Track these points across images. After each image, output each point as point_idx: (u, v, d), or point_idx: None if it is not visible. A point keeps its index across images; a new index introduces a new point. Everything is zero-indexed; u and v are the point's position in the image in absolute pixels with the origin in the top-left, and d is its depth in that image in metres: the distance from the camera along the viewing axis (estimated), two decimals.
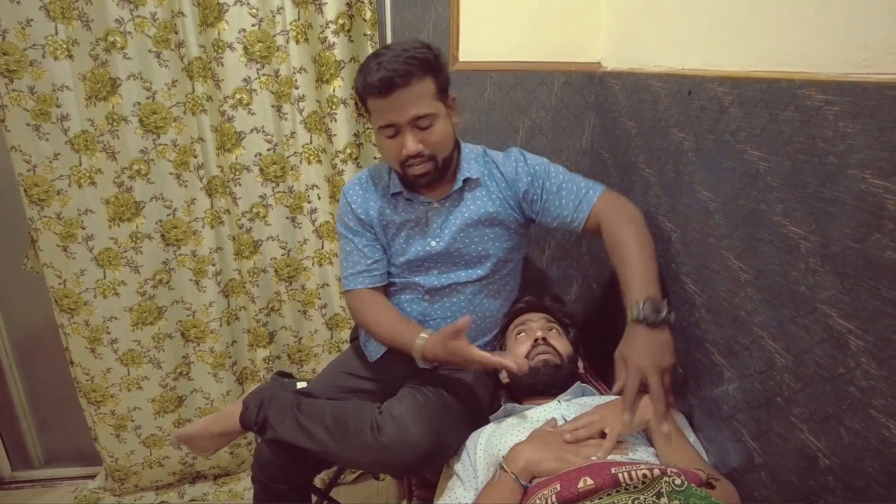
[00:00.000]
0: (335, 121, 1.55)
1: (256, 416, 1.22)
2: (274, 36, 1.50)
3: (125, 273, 1.64)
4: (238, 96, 1.55)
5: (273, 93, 1.55)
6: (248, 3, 1.46)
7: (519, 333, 1.29)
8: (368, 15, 1.48)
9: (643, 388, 0.98)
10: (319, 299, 1.76)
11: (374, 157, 1.63)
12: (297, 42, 1.48)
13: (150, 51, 1.48)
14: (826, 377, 0.76)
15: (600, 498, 0.80)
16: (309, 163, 1.61)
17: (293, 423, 1.16)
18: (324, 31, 1.47)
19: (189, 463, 1.89)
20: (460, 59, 1.51)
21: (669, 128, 1.15)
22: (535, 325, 1.29)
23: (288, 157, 1.62)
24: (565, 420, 1.06)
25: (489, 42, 1.51)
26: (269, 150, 1.61)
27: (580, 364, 1.30)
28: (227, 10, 1.46)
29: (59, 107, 1.46)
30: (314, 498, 1.48)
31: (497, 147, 1.33)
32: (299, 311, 1.80)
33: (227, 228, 1.67)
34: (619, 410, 1.00)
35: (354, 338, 1.50)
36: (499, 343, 1.36)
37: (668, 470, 0.81)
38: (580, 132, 1.61)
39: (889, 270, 0.65)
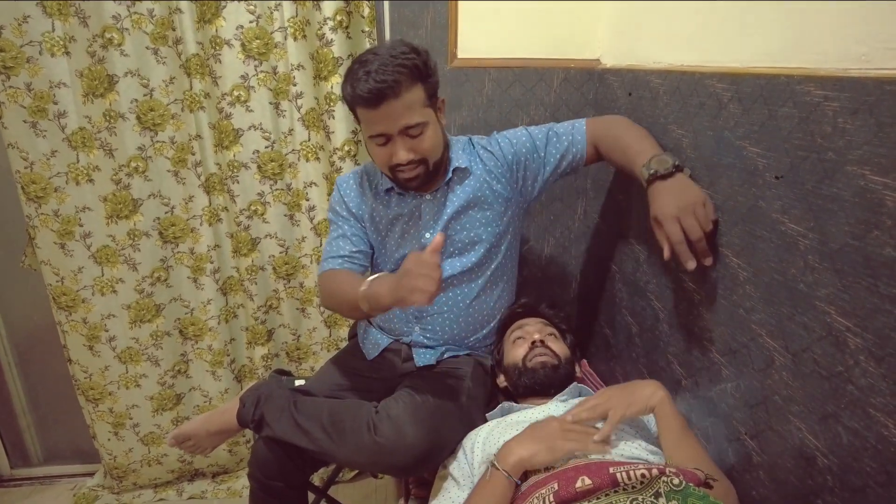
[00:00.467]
0: (333, 118, 1.54)
1: (253, 414, 1.21)
2: (272, 32, 1.50)
3: (123, 270, 1.64)
4: (236, 93, 1.54)
5: (271, 90, 1.55)
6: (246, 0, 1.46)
7: (517, 339, 1.29)
8: (367, 11, 1.47)
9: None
10: (318, 297, 1.76)
11: None
12: (295, 39, 1.47)
13: (147, 47, 1.47)
14: (824, 375, 0.75)
15: (598, 498, 0.80)
16: (307, 160, 1.60)
17: (290, 422, 1.15)
18: (322, 27, 1.47)
19: (187, 461, 1.89)
20: (459, 56, 1.50)
21: (668, 125, 1.14)
22: (532, 328, 1.30)
23: (286, 155, 1.62)
24: None
25: (488, 38, 1.50)
26: (267, 147, 1.60)
27: (577, 368, 1.30)
28: (224, 7, 1.46)
29: (56, 104, 1.45)
30: (312, 496, 1.48)
31: None
32: (298, 308, 1.79)
33: (226, 226, 1.67)
34: (626, 394, 1.01)
35: (352, 335, 1.50)
36: (496, 348, 1.36)
37: (667, 470, 0.80)
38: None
39: (888, 268, 0.64)
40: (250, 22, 1.48)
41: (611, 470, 0.82)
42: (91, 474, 1.97)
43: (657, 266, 1.21)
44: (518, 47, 1.51)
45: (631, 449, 0.97)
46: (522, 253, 1.43)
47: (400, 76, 1.04)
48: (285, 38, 1.48)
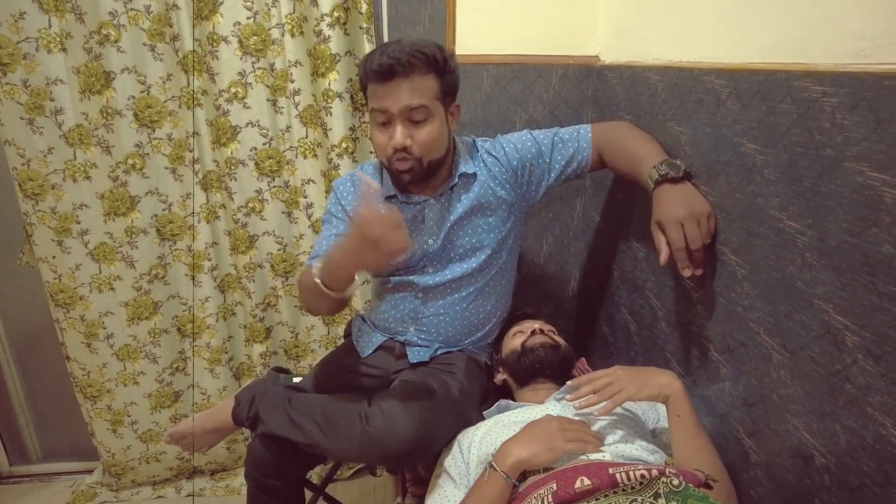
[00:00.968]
0: (331, 115, 1.54)
1: (248, 412, 1.21)
2: (269, 29, 1.49)
3: (121, 268, 1.63)
4: (233, 90, 1.53)
5: (268, 86, 1.54)
6: None
7: (516, 333, 1.30)
8: (364, 8, 1.46)
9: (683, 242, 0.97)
10: None
11: (371, 152, 1.61)
12: (293, 35, 1.46)
13: (144, 44, 1.46)
14: (822, 374, 0.74)
15: (597, 499, 0.79)
16: (305, 157, 1.60)
17: (284, 418, 1.15)
18: (319, 24, 1.46)
19: (186, 458, 1.89)
20: (457, 53, 1.50)
21: (667, 121, 1.13)
22: (530, 322, 1.31)
23: (284, 152, 1.61)
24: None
25: (486, 35, 1.49)
26: (264, 144, 1.60)
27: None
28: (221, 3, 1.45)
29: (52, 100, 1.45)
30: (309, 494, 1.47)
31: None
32: (296, 306, 1.79)
33: (223, 223, 1.66)
34: (638, 377, 0.99)
35: (348, 333, 1.50)
36: (494, 350, 1.36)
37: (667, 470, 0.80)
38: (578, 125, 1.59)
39: (886, 265, 0.64)
40: (247, 18, 1.47)
41: (610, 470, 0.81)
42: (90, 472, 1.97)
43: (656, 264, 1.20)
44: (517, 44, 1.51)
45: (630, 449, 0.96)
46: (521, 251, 1.42)
47: (414, 59, 1.05)
48: (283, 35, 1.47)
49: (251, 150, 1.60)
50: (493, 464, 0.92)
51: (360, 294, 1.75)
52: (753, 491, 0.90)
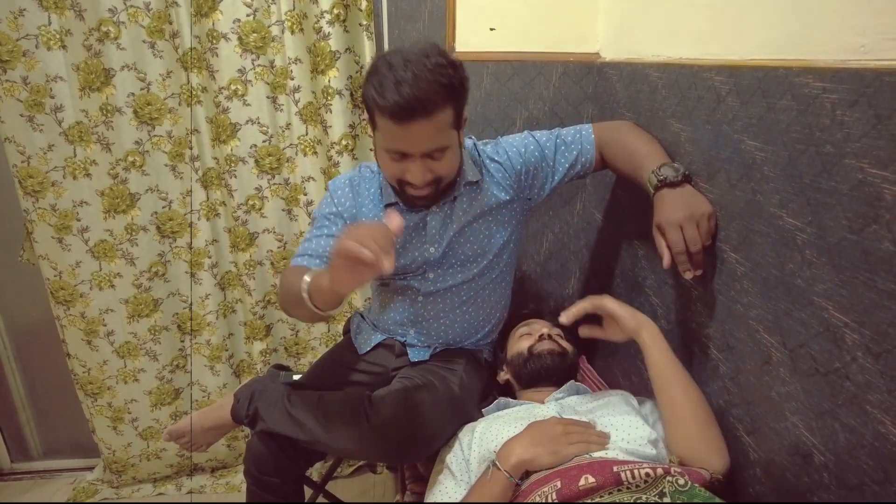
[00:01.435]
0: (330, 112, 1.53)
1: (247, 409, 1.21)
2: (269, 26, 1.49)
3: (121, 265, 1.63)
4: (233, 87, 1.53)
5: (268, 84, 1.54)
6: None
7: (523, 334, 1.30)
8: (364, 5, 1.46)
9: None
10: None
11: (370, 149, 1.61)
12: (293, 32, 1.46)
13: (144, 41, 1.46)
14: (822, 372, 0.74)
15: (601, 496, 0.79)
16: (305, 154, 1.59)
17: (283, 415, 1.15)
18: (319, 21, 1.46)
19: (186, 455, 1.89)
20: (457, 50, 1.49)
21: (667, 118, 1.13)
22: (539, 325, 1.31)
23: (283, 149, 1.61)
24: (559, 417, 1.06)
25: (486, 32, 1.49)
26: (264, 141, 1.59)
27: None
28: (221, 0, 1.45)
29: (52, 97, 1.45)
30: (309, 491, 1.47)
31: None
32: None
33: (223, 221, 1.66)
34: (622, 306, 1.06)
35: (347, 330, 1.50)
36: (499, 347, 1.36)
37: (672, 469, 0.80)
38: (578, 123, 1.59)
39: (886, 262, 0.63)
40: (247, 15, 1.47)
41: (615, 468, 0.81)
42: (90, 468, 1.98)
43: (655, 262, 1.19)
44: (517, 41, 1.50)
45: (633, 447, 0.96)
46: (521, 249, 1.42)
47: (435, 95, 0.94)
48: (282, 32, 1.47)
49: (251, 148, 1.60)
50: (497, 462, 0.92)
51: (360, 292, 1.75)
52: (752, 489, 0.90)
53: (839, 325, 0.71)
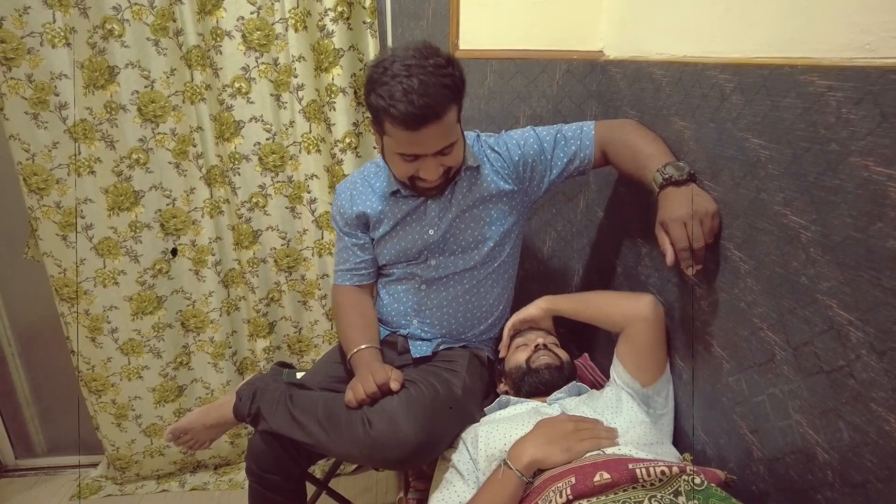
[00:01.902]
0: (334, 110, 1.54)
1: (249, 408, 1.21)
2: (273, 24, 1.49)
3: (125, 262, 1.64)
4: (237, 85, 1.54)
5: (272, 81, 1.54)
6: None
7: (519, 346, 1.30)
8: (368, 2, 1.46)
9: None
10: (319, 289, 1.76)
11: (374, 147, 1.61)
12: (296, 30, 1.46)
13: (147, 39, 1.46)
14: (826, 370, 0.74)
15: (616, 493, 0.79)
16: (308, 152, 1.60)
17: (285, 415, 1.15)
18: (322, 18, 1.46)
19: (190, 452, 1.89)
20: (460, 48, 1.49)
21: (671, 116, 1.13)
22: (534, 335, 1.31)
23: (287, 147, 1.61)
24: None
25: (490, 30, 1.49)
26: (268, 139, 1.60)
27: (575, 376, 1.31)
28: None
29: (57, 95, 1.45)
30: (312, 489, 1.48)
31: None
32: (299, 301, 1.79)
33: (227, 218, 1.67)
34: (519, 314, 1.30)
35: None
36: (497, 360, 1.35)
37: (688, 468, 0.80)
38: (581, 121, 1.59)
39: (891, 260, 0.63)
40: (251, 13, 1.47)
41: (630, 466, 0.81)
42: (94, 465, 1.99)
43: (658, 260, 1.20)
44: (520, 38, 1.50)
45: (643, 443, 0.96)
46: (524, 247, 1.42)
47: (443, 98, 0.99)
48: (286, 30, 1.47)
49: (255, 145, 1.60)
50: (508, 461, 0.92)
51: None
52: (755, 487, 0.90)
53: (844, 322, 0.71)
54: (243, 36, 1.49)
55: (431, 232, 1.24)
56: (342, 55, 1.49)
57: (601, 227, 1.57)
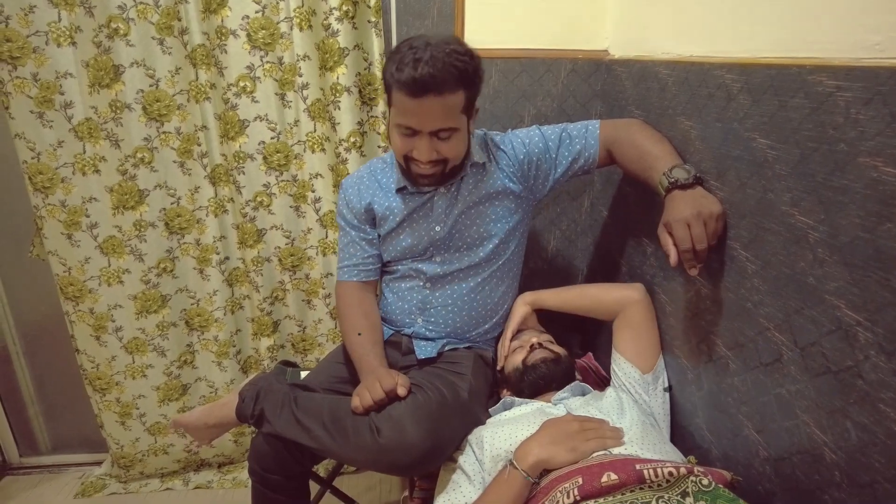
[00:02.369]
0: (339, 109, 1.54)
1: (253, 409, 1.20)
2: (277, 23, 1.49)
3: (129, 261, 1.64)
4: (242, 84, 1.54)
5: (276, 80, 1.54)
6: None
7: (515, 348, 1.30)
8: (373, 1, 1.46)
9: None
10: (323, 289, 1.76)
11: (378, 146, 1.61)
12: (301, 29, 1.46)
13: (153, 38, 1.46)
14: (833, 370, 0.74)
15: (623, 493, 0.79)
16: (313, 151, 1.60)
17: (290, 419, 1.14)
18: (327, 17, 1.46)
19: (193, 451, 1.90)
20: None
21: (676, 116, 1.13)
22: (528, 335, 1.31)
23: (292, 146, 1.61)
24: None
25: (494, 29, 1.49)
26: (272, 138, 1.60)
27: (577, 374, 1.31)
28: None
29: (62, 94, 1.45)
30: (316, 487, 1.48)
31: None
32: (303, 300, 1.79)
33: (231, 217, 1.67)
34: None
35: None
36: (496, 368, 1.36)
37: (695, 469, 0.80)
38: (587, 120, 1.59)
39: None
40: (256, 12, 1.47)
41: (637, 466, 0.81)
42: (99, 463, 1.99)
43: (664, 260, 1.19)
44: (525, 37, 1.50)
45: (648, 442, 0.96)
46: (529, 246, 1.42)
47: (448, 75, 1.02)
48: (291, 29, 1.47)
49: (259, 144, 1.60)
50: (514, 461, 0.92)
51: None
52: (762, 486, 0.90)
53: (852, 323, 0.70)
54: (248, 35, 1.49)
55: (438, 228, 1.24)
56: (347, 54, 1.49)
57: (605, 226, 1.57)
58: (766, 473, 0.89)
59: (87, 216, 1.57)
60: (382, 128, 1.57)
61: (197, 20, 1.45)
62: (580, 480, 0.82)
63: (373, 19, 1.48)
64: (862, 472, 0.70)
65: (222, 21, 1.47)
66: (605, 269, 1.58)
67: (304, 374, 1.42)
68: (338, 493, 1.57)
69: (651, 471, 0.79)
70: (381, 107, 1.56)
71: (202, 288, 1.73)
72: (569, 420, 0.98)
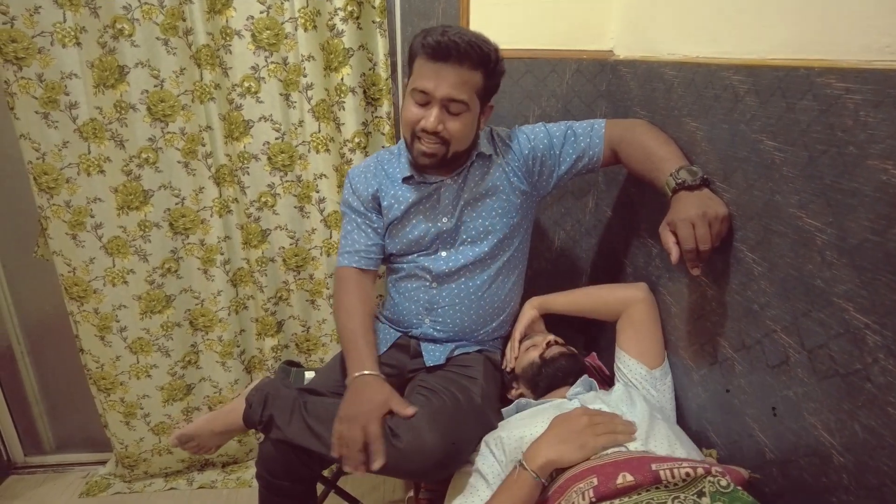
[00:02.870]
0: (343, 109, 1.54)
1: (261, 415, 1.18)
2: (282, 23, 1.49)
3: (134, 261, 1.64)
4: (246, 84, 1.54)
5: (281, 81, 1.54)
6: None
7: (528, 347, 1.30)
8: (377, 2, 1.46)
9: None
10: (327, 289, 1.76)
11: (383, 146, 1.61)
12: (306, 29, 1.46)
13: (157, 38, 1.46)
14: (841, 373, 0.74)
15: (639, 494, 0.78)
16: (317, 152, 1.60)
17: (301, 425, 1.13)
18: (332, 18, 1.46)
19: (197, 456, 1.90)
20: None
21: (682, 117, 1.12)
22: (541, 336, 1.32)
23: (296, 146, 1.62)
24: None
25: (499, 29, 1.48)
26: (277, 138, 1.60)
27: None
28: None
29: (67, 94, 1.45)
30: (320, 487, 1.48)
31: None
32: (307, 300, 1.79)
33: (235, 217, 1.67)
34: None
35: None
36: (507, 370, 1.35)
37: (713, 469, 0.79)
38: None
39: None
40: (260, 12, 1.47)
41: (653, 466, 0.80)
42: (103, 463, 1.99)
43: (669, 261, 1.19)
44: (530, 38, 1.50)
45: (661, 437, 0.96)
46: (532, 246, 1.42)
47: (472, 51, 1.08)
48: (295, 29, 1.47)
49: (264, 145, 1.60)
50: (523, 462, 0.91)
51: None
52: (768, 489, 0.90)
53: (860, 326, 0.70)
54: (253, 35, 1.49)
55: (445, 220, 1.25)
56: (352, 55, 1.49)
57: (610, 226, 1.57)
58: (773, 476, 0.89)
59: (92, 216, 1.57)
60: (387, 128, 1.57)
61: (202, 21, 1.45)
62: (595, 481, 0.81)
63: (377, 20, 1.48)
64: (870, 475, 0.70)
65: (227, 21, 1.47)
66: (609, 270, 1.58)
67: (308, 374, 1.42)
68: (342, 493, 1.57)
69: (668, 471, 0.78)
70: (385, 107, 1.56)
71: (206, 288, 1.73)
72: (578, 415, 0.96)
